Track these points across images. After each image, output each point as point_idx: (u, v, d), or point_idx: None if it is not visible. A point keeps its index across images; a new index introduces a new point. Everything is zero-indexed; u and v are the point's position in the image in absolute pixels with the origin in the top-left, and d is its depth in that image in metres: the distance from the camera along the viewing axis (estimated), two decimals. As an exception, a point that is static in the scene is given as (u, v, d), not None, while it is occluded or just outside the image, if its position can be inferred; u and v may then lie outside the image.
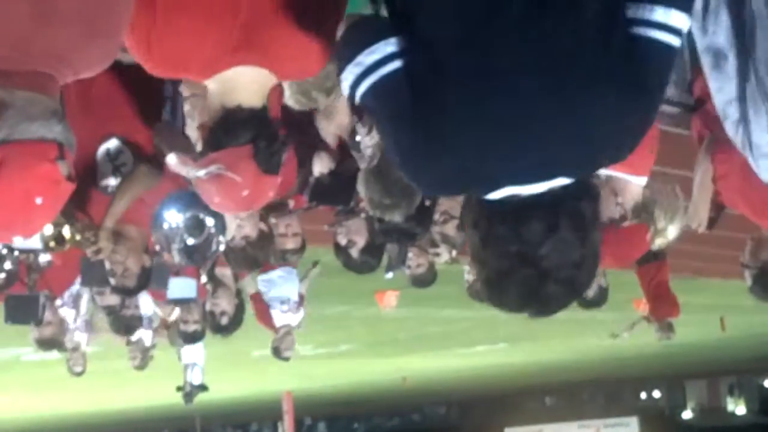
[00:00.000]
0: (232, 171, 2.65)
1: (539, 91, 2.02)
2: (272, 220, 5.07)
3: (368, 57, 2.11)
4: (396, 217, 4.09)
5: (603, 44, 2.05)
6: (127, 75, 4.44)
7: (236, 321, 6.56)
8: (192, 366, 9.99)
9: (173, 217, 4.27)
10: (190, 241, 4.28)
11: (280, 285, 7.22)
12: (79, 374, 8.43)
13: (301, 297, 7.97)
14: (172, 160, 2.95)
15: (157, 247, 4.50)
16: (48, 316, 6.55)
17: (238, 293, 6.53)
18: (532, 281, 2.06)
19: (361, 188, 3.82)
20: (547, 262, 2.04)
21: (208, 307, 6.42)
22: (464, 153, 2.06)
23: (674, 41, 2.09)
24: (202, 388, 10.19)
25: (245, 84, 2.71)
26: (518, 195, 2.07)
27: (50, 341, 6.82)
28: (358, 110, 4.39)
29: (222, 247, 4.55)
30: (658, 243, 4.27)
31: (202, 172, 2.68)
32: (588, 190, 2.13)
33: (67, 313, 7.27)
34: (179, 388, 10.26)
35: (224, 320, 6.41)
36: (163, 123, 4.62)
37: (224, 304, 6.39)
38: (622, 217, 4.14)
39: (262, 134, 2.69)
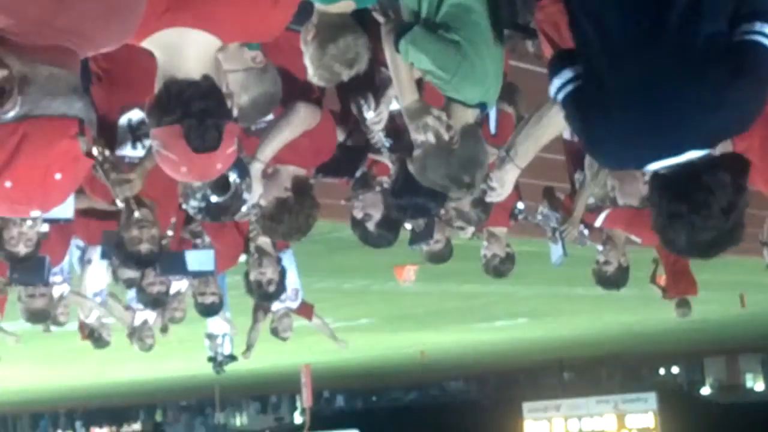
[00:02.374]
0: (166, 149, 2.63)
1: (675, 89, 2.78)
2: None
3: (559, 79, 3.01)
4: (468, 195, 4.07)
5: (719, 46, 2.77)
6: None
7: (281, 288, 6.63)
8: (223, 336, 10.11)
9: None
10: (214, 199, 4.24)
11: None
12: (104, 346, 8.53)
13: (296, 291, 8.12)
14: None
15: (180, 199, 4.45)
16: (42, 289, 6.62)
17: (279, 260, 6.56)
18: (695, 230, 2.81)
19: (427, 171, 3.72)
20: (704, 214, 2.79)
21: (253, 277, 6.43)
22: (624, 137, 2.87)
23: None
24: (232, 358, 10.29)
25: (186, 51, 2.65)
26: (668, 166, 2.84)
27: (41, 313, 6.85)
28: (362, 91, 4.38)
29: (244, 209, 4.51)
30: None
31: (151, 147, 2.69)
32: (717, 158, 2.86)
33: (58, 287, 7.34)
34: (210, 359, 10.35)
35: (271, 288, 6.46)
36: None
37: (270, 272, 6.42)
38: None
39: (193, 112, 2.60)
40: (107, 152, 4.43)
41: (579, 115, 2.99)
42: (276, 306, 8.00)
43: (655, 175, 2.92)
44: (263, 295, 6.55)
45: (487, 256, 6.35)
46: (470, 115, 3.66)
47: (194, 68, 2.66)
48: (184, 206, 4.46)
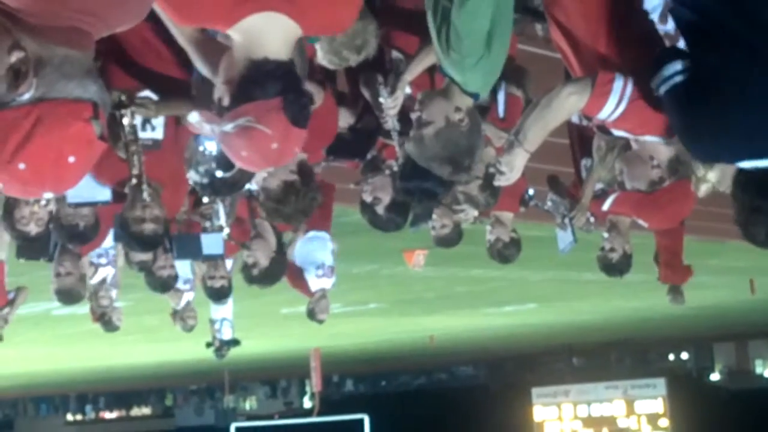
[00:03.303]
0: (262, 123, 2.63)
1: None
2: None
3: (666, 71, 3.24)
4: (466, 179, 4.09)
5: None
6: (161, 26, 4.47)
7: (270, 274, 6.46)
8: (221, 321, 10.08)
9: (212, 144, 4.22)
10: (218, 174, 4.25)
11: (313, 249, 7.22)
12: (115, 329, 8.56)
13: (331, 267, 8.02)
14: (194, 117, 2.91)
15: (186, 165, 4.46)
16: (68, 267, 6.58)
17: (280, 247, 6.48)
18: None
19: (427, 149, 3.75)
20: None
21: (244, 256, 6.40)
22: (741, 131, 3.07)
23: None
24: (235, 342, 10.26)
25: (271, 35, 2.70)
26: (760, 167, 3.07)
27: (68, 292, 6.77)
28: (373, 74, 4.39)
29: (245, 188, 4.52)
30: (704, 190, 4.29)
31: (229, 126, 2.66)
32: None
33: (107, 272, 7.34)
34: (209, 344, 10.34)
35: (255, 272, 6.36)
36: (199, 75, 4.61)
37: (258, 255, 6.34)
38: (661, 179, 4.13)
39: (290, 87, 2.67)
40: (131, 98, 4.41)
41: (683, 106, 3.18)
42: (314, 285, 7.88)
43: (741, 171, 3.16)
44: (247, 277, 6.39)
45: (491, 240, 6.36)
46: (469, 100, 3.67)
47: (281, 50, 2.71)
48: (188, 179, 4.47)
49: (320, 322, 8.28)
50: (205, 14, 2.72)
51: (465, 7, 3.45)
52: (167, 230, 5.06)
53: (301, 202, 4.42)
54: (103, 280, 7.44)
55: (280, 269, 6.48)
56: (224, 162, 4.12)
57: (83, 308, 8.60)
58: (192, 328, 8.77)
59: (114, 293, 7.94)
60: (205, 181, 4.29)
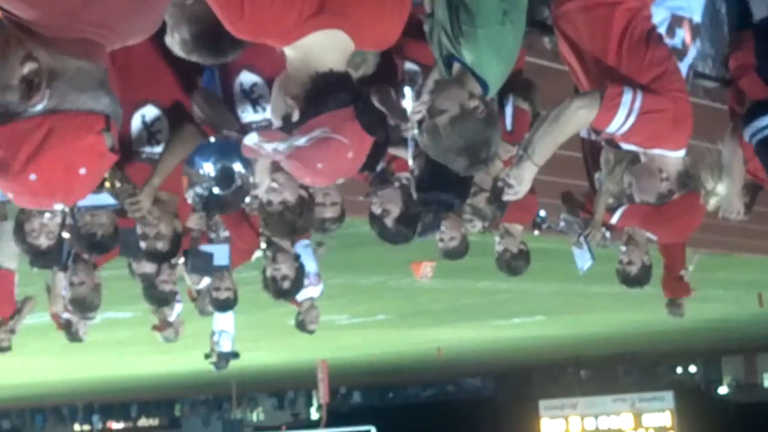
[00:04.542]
0: (338, 133, 2.65)
1: None
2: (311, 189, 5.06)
3: (759, 122, 3.52)
4: (481, 171, 4.01)
5: None
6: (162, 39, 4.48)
7: (298, 284, 6.52)
8: (220, 333, 10.05)
9: (208, 165, 4.24)
10: (216, 191, 4.26)
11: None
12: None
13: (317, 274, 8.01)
14: (251, 139, 2.81)
15: (185, 185, 4.47)
16: (82, 276, 6.57)
17: (297, 257, 6.51)
18: None
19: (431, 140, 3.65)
20: None
21: (268, 273, 6.38)
22: None
23: None
24: (234, 355, 10.22)
25: (330, 51, 2.74)
26: None
27: (82, 301, 6.74)
28: (392, 86, 4.40)
29: (246, 201, 4.53)
30: (713, 203, 4.27)
31: (303, 140, 2.65)
32: None
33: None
34: (207, 356, 10.30)
35: (286, 284, 6.37)
36: (201, 90, 4.61)
37: (285, 268, 6.35)
38: (671, 192, 4.14)
39: (359, 96, 2.72)
40: (121, 181, 4.44)
41: None
42: (302, 296, 7.90)
43: None
44: (278, 291, 6.45)
45: (500, 251, 6.35)
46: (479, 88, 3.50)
47: (340, 64, 2.76)
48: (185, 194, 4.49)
49: (310, 332, 8.30)
50: (267, 30, 2.74)
51: None
52: (178, 245, 5.04)
53: (311, 216, 4.45)
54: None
55: (303, 278, 6.58)
56: (221, 178, 4.14)
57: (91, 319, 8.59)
58: (171, 340, 8.74)
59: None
60: (204, 196, 4.30)
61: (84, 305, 6.68)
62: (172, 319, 8.71)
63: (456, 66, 3.49)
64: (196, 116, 4.48)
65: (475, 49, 3.42)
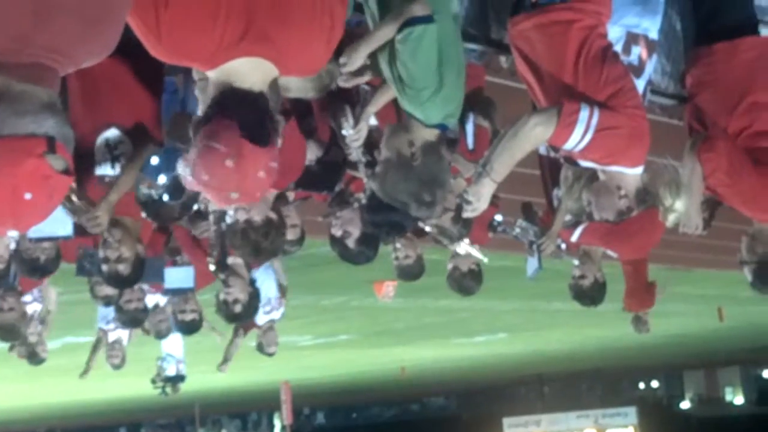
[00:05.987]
0: (213, 140, 2.62)
1: None
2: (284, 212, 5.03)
3: None
4: (433, 215, 4.08)
5: None
6: (125, 62, 4.45)
7: (251, 309, 6.49)
8: (165, 358, 9.97)
9: (161, 175, 4.21)
10: (165, 198, 4.25)
11: (259, 285, 7.18)
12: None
13: (283, 289, 7.99)
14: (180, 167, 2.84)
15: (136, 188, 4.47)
16: (12, 302, 6.53)
17: (252, 282, 6.48)
18: None
19: (388, 187, 3.75)
20: None
21: (221, 296, 6.36)
22: None
23: None
24: (180, 378, 10.09)
25: (248, 76, 2.73)
26: None
27: (9, 329, 6.69)
28: (341, 106, 4.40)
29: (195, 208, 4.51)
30: (672, 220, 4.28)
31: (192, 153, 2.65)
32: None
33: (33, 308, 7.26)
34: (153, 381, 10.16)
35: (238, 308, 6.34)
36: (177, 114, 4.60)
37: (236, 292, 6.33)
38: (629, 209, 4.15)
39: (249, 108, 2.68)
40: (75, 196, 4.43)
41: None
42: (262, 319, 7.89)
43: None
44: (230, 315, 6.42)
45: (449, 269, 6.33)
46: (430, 134, 3.67)
47: (258, 86, 2.74)
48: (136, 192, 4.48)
49: (270, 355, 8.28)
50: (186, 54, 2.75)
51: (408, 44, 3.49)
52: (141, 269, 5.01)
53: (279, 239, 4.43)
54: (31, 317, 7.34)
55: (258, 302, 6.51)
56: (172, 188, 4.13)
57: (54, 342, 8.53)
58: (119, 366, 8.72)
59: (40, 329, 7.86)
60: (149, 200, 4.31)
61: (11, 332, 6.65)
62: (125, 343, 8.66)
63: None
64: (169, 136, 4.48)
65: (419, 107, 3.60)
